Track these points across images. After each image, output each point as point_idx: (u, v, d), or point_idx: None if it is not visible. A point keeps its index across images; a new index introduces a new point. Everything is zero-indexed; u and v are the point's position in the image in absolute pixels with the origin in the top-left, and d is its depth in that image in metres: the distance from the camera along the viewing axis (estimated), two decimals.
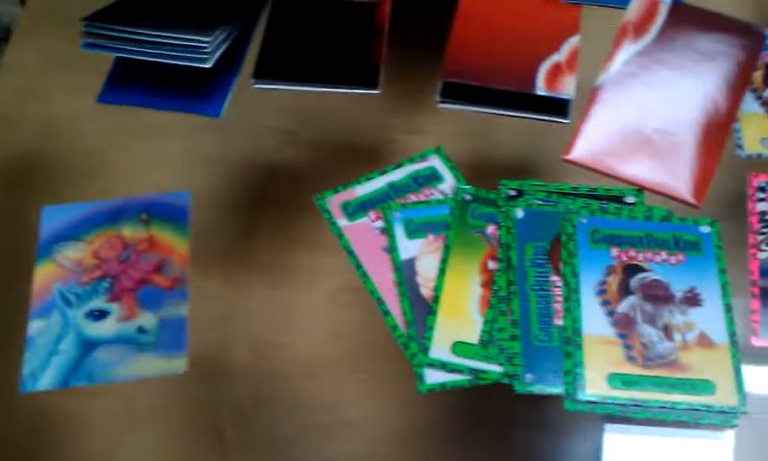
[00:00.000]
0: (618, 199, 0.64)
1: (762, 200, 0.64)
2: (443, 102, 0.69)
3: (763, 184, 0.65)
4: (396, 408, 0.59)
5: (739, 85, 0.66)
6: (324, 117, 0.71)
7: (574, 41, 0.70)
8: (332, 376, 0.60)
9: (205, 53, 0.66)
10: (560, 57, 0.69)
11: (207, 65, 0.66)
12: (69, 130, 0.71)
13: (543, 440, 0.57)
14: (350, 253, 0.63)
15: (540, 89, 0.67)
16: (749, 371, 0.57)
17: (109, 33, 0.66)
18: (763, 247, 0.62)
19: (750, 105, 0.69)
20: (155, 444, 0.58)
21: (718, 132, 0.65)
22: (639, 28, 0.67)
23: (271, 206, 0.67)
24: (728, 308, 0.59)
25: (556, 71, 0.68)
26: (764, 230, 0.63)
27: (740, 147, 0.67)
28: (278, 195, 0.67)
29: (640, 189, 0.65)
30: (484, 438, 0.58)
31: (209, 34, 0.66)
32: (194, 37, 0.66)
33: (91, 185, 0.68)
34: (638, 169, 0.65)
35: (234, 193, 0.68)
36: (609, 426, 0.57)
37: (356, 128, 0.71)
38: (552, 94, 0.67)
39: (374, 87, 0.70)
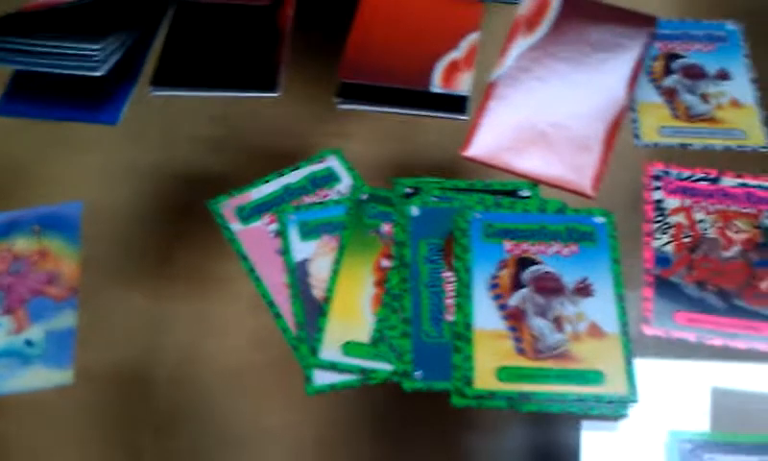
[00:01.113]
0: (513, 193, 0.64)
1: (658, 188, 0.64)
2: (341, 102, 0.69)
3: (659, 173, 0.65)
4: (319, 413, 0.58)
5: (632, 75, 0.66)
6: (237, 122, 0.71)
7: (473, 38, 0.70)
8: (254, 385, 0.59)
9: (96, 61, 0.65)
10: (458, 54, 0.69)
11: (99, 73, 0.66)
12: None
13: (436, 436, 0.57)
14: (243, 257, 0.62)
15: (436, 87, 0.67)
16: (641, 360, 0.57)
17: (3, 45, 0.66)
18: (657, 235, 0.62)
19: (649, 94, 0.69)
20: None
21: (612, 122, 0.65)
22: (532, 22, 0.67)
23: (185, 214, 0.66)
24: (620, 298, 0.59)
25: (453, 68, 0.68)
26: (659, 218, 0.63)
27: (638, 137, 0.67)
28: (193, 203, 0.67)
29: (536, 183, 0.64)
30: (410, 438, 0.57)
31: (99, 42, 0.65)
32: (84, 46, 0.65)
33: None
34: (534, 163, 0.65)
35: (145, 203, 0.67)
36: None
37: (271, 131, 0.70)
38: (448, 91, 0.67)
39: (273, 90, 0.70)
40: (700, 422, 0.56)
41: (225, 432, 0.58)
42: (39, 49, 0.66)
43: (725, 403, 0.56)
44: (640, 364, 0.57)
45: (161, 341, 0.61)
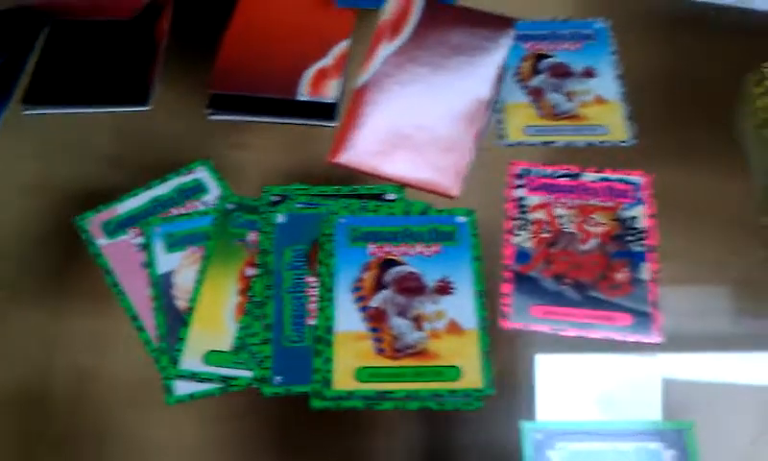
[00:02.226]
0: (379, 197, 0.65)
1: (520, 186, 0.65)
2: (212, 114, 0.69)
3: (522, 171, 0.66)
4: (212, 427, 0.58)
5: (493, 76, 0.67)
6: (111, 137, 0.71)
7: (343, 46, 0.71)
8: (152, 401, 0.59)
9: None
10: (327, 61, 0.70)
11: None
12: None
13: (295, 441, 0.57)
14: (107, 272, 0.62)
15: (303, 95, 0.67)
16: (499, 354, 0.58)
17: None
18: (518, 232, 0.63)
19: (516, 95, 0.70)
20: None
21: (475, 123, 0.66)
22: (395, 28, 0.68)
23: (70, 231, 0.66)
24: (479, 295, 0.60)
25: (321, 76, 0.69)
26: (520, 215, 0.64)
27: (503, 136, 0.68)
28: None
29: (402, 186, 0.65)
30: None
31: None
32: None
33: None
34: (399, 166, 0.66)
35: (32, 220, 0.67)
36: None
37: (144, 145, 0.70)
38: (315, 99, 0.67)
39: (145, 104, 0.70)
40: (554, 411, 0.57)
41: (119, 447, 0.57)
42: None
43: (580, 392, 0.58)
44: (498, 357, 0.57)
45: (58, 360, 0.61)
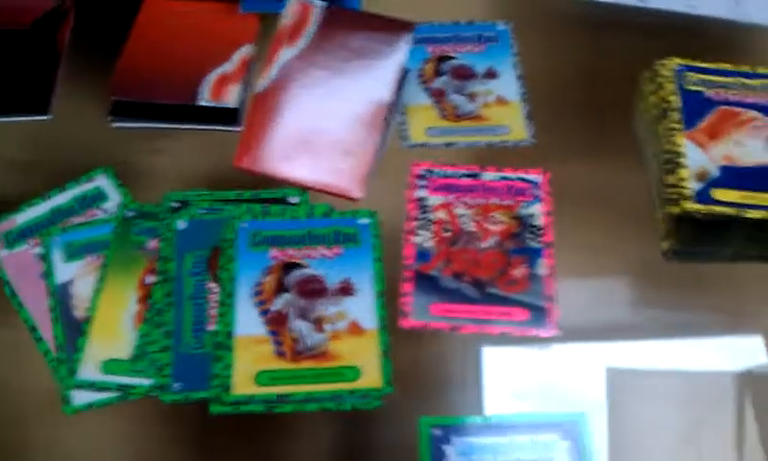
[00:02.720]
0: (283, 200, 0.65)
1: (423, 187, 0.66)
2: (114, 120, 0.69)
3: (423, 172, 0.67)
4: (112, 436, 0.57)
5: (392, 78, 0.68)
6: (15, 147, 0.70)
7: (246, 51, 0.71)
8: (52, 412, 0.58)
9: None
10: (229, 66, 0.70)
11: None
12: None
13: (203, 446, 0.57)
14: (5, 283, 0.61)
15: (204, 100, 0.67)
16: (398, 352, 0.58)
17: None
18: (419, 232, 0.64)
19: (418, 97, 0.71)
20: None
21: (374, 125, 0.67)
22: (294, 32, 0.69)
23: None
24: (380, 294, 0.60)
25: (223, 81, 0.69)
26: (421, 215, 0.65)
27: (406, 138, 0.69)
28: None
29: (305, 189, 0.65)
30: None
31: None
32: None
33: None
34: (302, 170, 0.66)
35: None
36: None
37: (46, 154, 0.70)
38: (216, 104, 0.67)
39: (45, 113, 0.69)
40: (455, 407, 0.58)
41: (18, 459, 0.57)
42: None
43: (481, 387, 0.59)
44: (399, 356, 0.58)
45: None
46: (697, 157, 0.62)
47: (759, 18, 0.75)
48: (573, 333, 0.61)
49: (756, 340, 0.60)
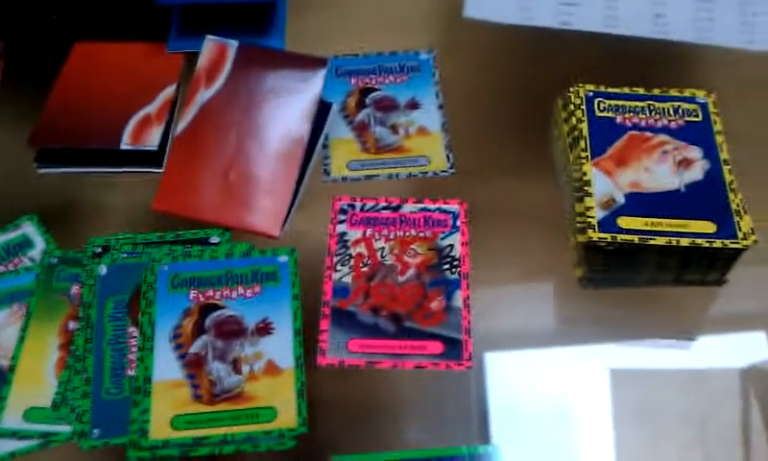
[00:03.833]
0: (204, 241, 0.66)
1: (342, 221, 0.67)
2: (39, 166, 0.70)
3: (344, 206, 0.68)
4: None
5: (308, 113, 0.69)
6: None
7: (170, 91, 0.72)
8: None
9: None
10: (152, 108, 0.71)
11: None
12: None
13: None
14: None
15: (126, 144, 0.68)
16: (314, 390, 0.59)
17: None
18: (338, 267, 0.65)
19: (341, 130, 0.72)
20: None
21: (291, 162, 0.68)
22: (211, 73, 0.70)
23: None
24: (297, 333, 0.61)
25: (145, 123, 0.70)
26: (341, 250, 0.66)
27: (327, 173, 0.70)
28: None
29: (226, 229, 0.67)
30: None
31: None
32: None
33: None
34: (221, 210, 0.67)
35: None
36: None
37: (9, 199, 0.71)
38: (137, 147, 0.68)
39: None
40: (367, 443, 0.59)
41: None
42: None
43: (394, 422, 0.60)
44: (314, 394, 0.59)
45: None
46: (604, 185, 0.63)
47: (679, 36, 0.76)
48: (490, 360, 0.62)
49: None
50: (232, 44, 0.70)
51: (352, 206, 0.68)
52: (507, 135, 0.74)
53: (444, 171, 0.70)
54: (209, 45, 0.70)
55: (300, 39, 0.77)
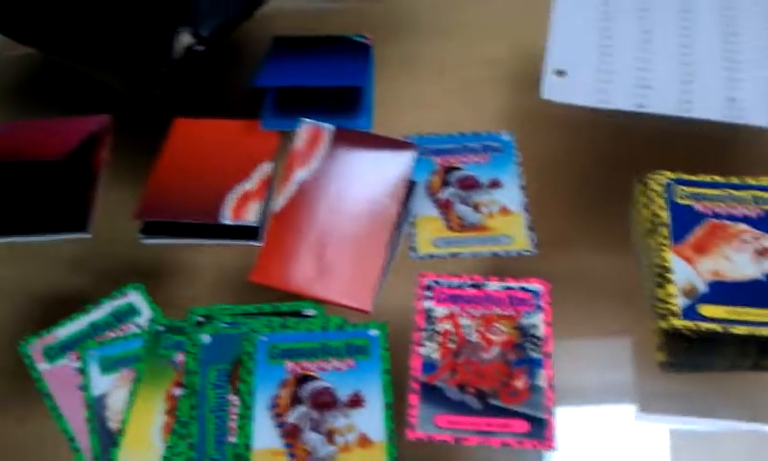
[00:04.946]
0: (299, 313, 0.70)
1: (429, 298, 0.71)
2: (144, 238, 0.75)
3: (431, 283, 0.71)
4: None
5: (398, 194, 0.73)
6: (48, 264, 0.77)
7: (266, 168, 0.77)
8: None
9: None
10: (250, 185, 0.75)
11: None
12: None
13: None
14: (47, 396, 0.67)
15: (226, 219, 0.73)
16: None
17: None
18: (426, 343, 0.68)
19: (426, 208, 0.76)
20: None
21: (381, 239, 0.71)
22: (307, 153, 0.74)
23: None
24: (388, 407, 0.65)
25: (244, 199, 0.74)
26: (428, 326, 0.69)
27: (414, 249, 0.74)
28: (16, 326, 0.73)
29: (320, 302, 0.70)
30: None
31: None
32: None
33: None
34: (316, 285, 0.71)
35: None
36: None
37: (82, 270, 0.76)
38: (237, 222, 0.73)
39: (84, 231, 0.75)
40: None
41: None
42: None
43: None
44: None
45: None
46: (685, 273, 0.65)
47: (754, 120, 0.78)
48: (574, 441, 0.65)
49: None
50: (328, 127, 0.74)
51: (438, 283, 0.71)
52: (588, 214, 0.77)
53: (526, 250, 0.73)
54: (306, 128, 0.74)
55: (386, 119, 0.81)
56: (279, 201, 0.73)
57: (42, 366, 0.69)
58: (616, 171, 0.78)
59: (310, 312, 0.70)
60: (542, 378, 0.66)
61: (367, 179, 0.73)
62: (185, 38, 0.81)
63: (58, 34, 0.84)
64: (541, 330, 0.68)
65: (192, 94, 0.85)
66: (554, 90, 0.80)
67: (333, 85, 0.79)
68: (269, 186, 0.76)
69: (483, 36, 0.96)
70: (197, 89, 0.85)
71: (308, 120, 0.74)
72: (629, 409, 0.68)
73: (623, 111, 0.79)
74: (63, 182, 0.77)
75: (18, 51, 0.95)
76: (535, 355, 0.67)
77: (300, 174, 0.73)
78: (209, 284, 0.73)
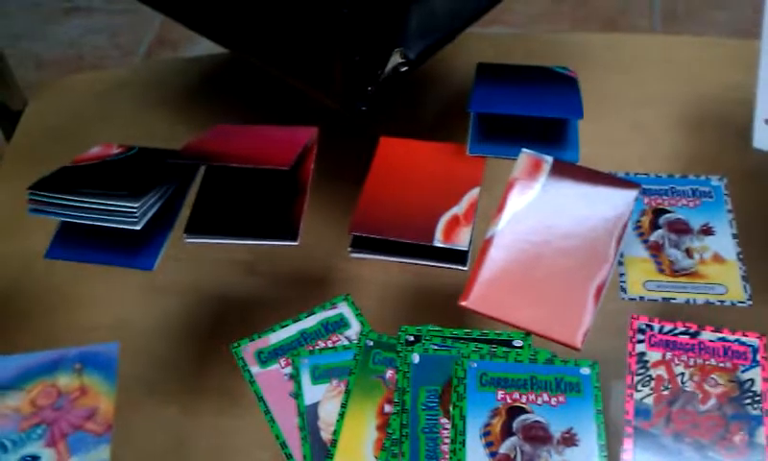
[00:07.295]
0: (507, 343, 0.70)
1: (641, 341, 0.70)
2: (353, 252, 0.76)
3: (642, 326, 0.70)
4: None
5: (617, 233, 0.72)
6: (260, 267, 0.79)
7: (474, 193, 0.77)
8: None
9: (135, 217, 0.73)
10: (459, 209, 0.76)
11: (137, 227, 0.74)
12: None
13: None
14: (260, 398, 0.69)
15: (438, 241, 0.74)
16: None
17: (51, 200, 0.74)
18: (639, 387, 0.67)
19: (636, 249, 0.75)
20: None
21: (600, 278, 0.70)
22: (526, 184, 0.74)
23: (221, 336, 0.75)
24: (602, 448, 0.64)
25: (454, 223, 0.75)
26: (641, 370, 0.68)
27: (624, 290, 0.73)
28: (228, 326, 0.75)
29: (528, 333, 0.70)
30: None
31: (138, 200, 0.73)
32: (124, 204, 0.73)
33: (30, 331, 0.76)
34: (525, 314, 0.70)
35: (187, 325, 0.76)
36: None
37: (289, 277, 0.78)
38: (448, 245, 0.73)
39: (293, 239, 0.77)
40: None
41: None
42: (83, 204, 0.74)
43: None
44: None
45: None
46: None
47: None
48: None
49: None
50: (547, 159, 0.74)
51: (650, 327, 0.70)
52: None
53: (741, 302, 0.71)
54: (525, 157, 0.74)
55: (597, 158, 0.80)
56: (493, 228, 0.73)
57: (255, 369, 0.71)
58: None
59: (518, 343, 0.70)
60: (761, 436, 0.64)
61: (585, 214, 0.72)
62: (395, 59, 0.82)
63: (275, 47, 0.86)
64: (759, 386, 0.66)
65: (387, 113, 0.86)
66: (765, 140, 0.78)
67: (551, 117, 0.79)
68: (476, 212, 0.77)
69: (676, 77, 0.95)
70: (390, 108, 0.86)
71: (528, 150, 0.74)
72: None
73: None
74: (283, 190, 0.79)
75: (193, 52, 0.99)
76: (753, 412, 0.65)
77: (516, 204, 0.74)
78: (416, 303, 0.74)
